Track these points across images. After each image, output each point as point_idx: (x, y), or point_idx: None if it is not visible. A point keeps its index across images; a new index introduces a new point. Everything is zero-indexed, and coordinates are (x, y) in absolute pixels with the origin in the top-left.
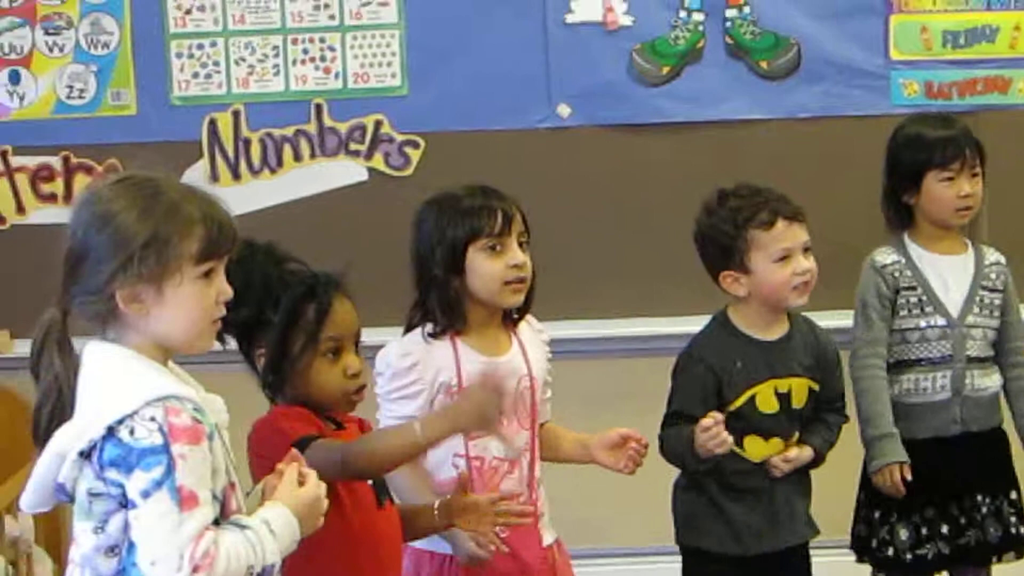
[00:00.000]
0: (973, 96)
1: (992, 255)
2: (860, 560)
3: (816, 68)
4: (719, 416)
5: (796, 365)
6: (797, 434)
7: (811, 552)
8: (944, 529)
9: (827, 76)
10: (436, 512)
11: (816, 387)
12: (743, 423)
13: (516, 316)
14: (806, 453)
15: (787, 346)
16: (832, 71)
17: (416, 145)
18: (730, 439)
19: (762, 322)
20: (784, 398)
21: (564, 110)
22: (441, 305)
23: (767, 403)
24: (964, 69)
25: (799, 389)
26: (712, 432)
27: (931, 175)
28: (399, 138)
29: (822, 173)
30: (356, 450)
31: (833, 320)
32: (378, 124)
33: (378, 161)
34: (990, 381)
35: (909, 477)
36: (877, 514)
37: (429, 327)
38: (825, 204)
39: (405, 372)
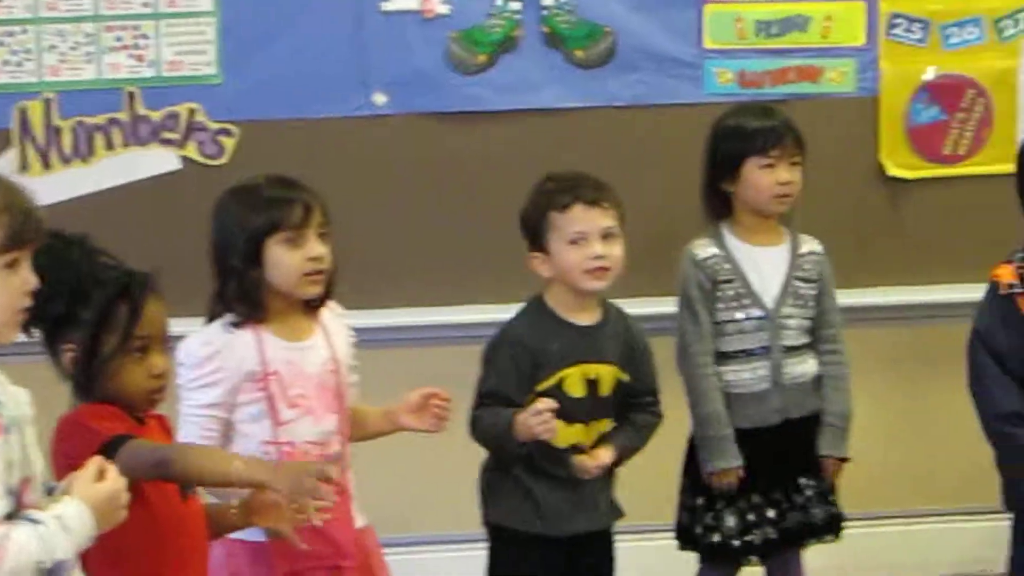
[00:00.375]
0: (785, 85)
1: (808, 244)
2: (683, 547)
3: (631, 57)
4: (552, 403)
5: (607, 352)
6: (604, 423)
7: (629, 537)
8: (771, 514)
9: (642, 65)
10: (235, 512)
11: (625, 378)
12: None
13: (316, 304)
14: (609, 455)
15: (600, 332)
16: (647, 60)
17: (230, 134)
18: (555, 425)
19: (575, 305)
20: (592, 384)
21: (380, 98)
22: (240, 296)
23: (574, 387)
24: (776, 58)
25: (607, 377)
26: (544, 417)
27: (750, 162)
28: (213, 126)
29: (637, 161)
30: (171, 458)
31: (651, 307)
32: (192, 112)
33: (191, 150)
34: (806, 367)
35: (743, 475)
36: (701, 501)
37: (230, 317)
38: (640, 191)
39: (206, 361)
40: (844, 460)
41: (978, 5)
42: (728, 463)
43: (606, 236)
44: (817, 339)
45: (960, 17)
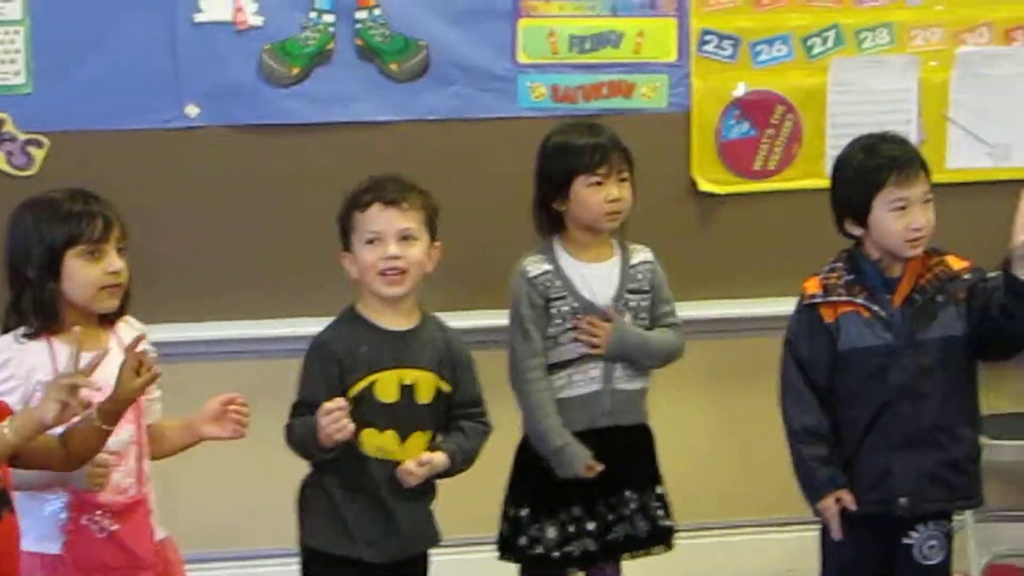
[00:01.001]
0: (598, 100)
1: (639, 255)
2: (503, 557)
3: (445, 71)
4: (342, 402)
5: (422, 358)
6: (423, 435)
7: (450, 550)
8: (591, 527)
9: (456, 79)
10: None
11: (447, 388)
12: (361, 411)
13: (112, 317)
14: (439, 458)
15: (414, 338)
16: (461, 74)
17: (40, 144)
18: (351, 426)
19: (385, 309)
20: (408, 390)
21: (192, 110)
22: (35, 308)
23: (386, 392)
24: (590, 73)
25: (425, 385)
26: (334, 416)
27: (579, 180)
28: (22, 137)
29: (452, 174)
30: None
31: (476, 320)
32: (0, 123)
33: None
34: (639, 380)
35: (600, 468)
36: (524, 512)
37: (23, 329)
38: (456, 204)
39: None
40: None
41: (787, 23)
42: (578, 466)
43: (404, 238)
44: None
45: (769, 34)
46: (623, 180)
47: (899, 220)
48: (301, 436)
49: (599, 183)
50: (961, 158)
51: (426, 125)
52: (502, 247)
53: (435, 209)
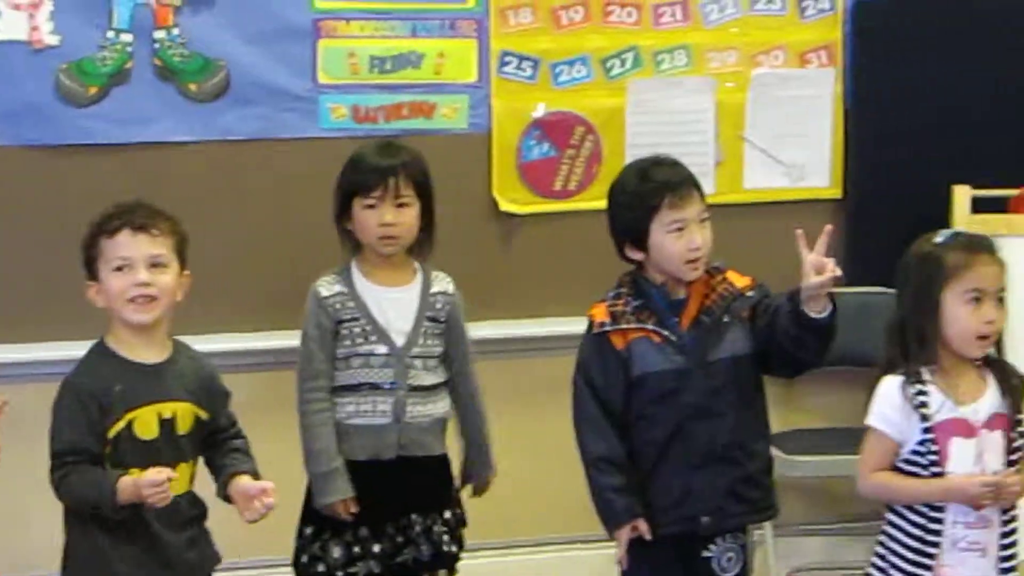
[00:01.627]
0: (399, 120)
1: (440, 284)
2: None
3: (246, 91)
4: (169, 472)
5: (179, 389)
6: (187, 466)
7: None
8: (376, 548)
9: (257, 99)
10: None
11: (205, 416)
12: (121, 451)
13: None
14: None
15: (169, 369)
16: (262, 94)
17: None
18: (170, 493)
19: (138, 343)
20: (167, 424)
21: None
22: None
23: (146, 428)
24: (390, 94)
25: (184, 415)
26: (162, 488)
27: (356, 201)
28: None
29: (253, 195)
30: None
31: (272, 341)
32: None
33: None
34: (434, 408)
35: (355, 509)
36: (310, 530)
37: None
38: (257, 225)
39: None
40: (488, 477)
41: (586, 45)
42: (335, 497)
43: (154, 264)
44: (452, 380)
45: (569, 56)
46: (401, 204)
47: (677, 242)
48: (84, 493)
49: (372, 206)
50: (757, 178)
51: (227, 145)
52: (305, 268)
53: (184, 237)
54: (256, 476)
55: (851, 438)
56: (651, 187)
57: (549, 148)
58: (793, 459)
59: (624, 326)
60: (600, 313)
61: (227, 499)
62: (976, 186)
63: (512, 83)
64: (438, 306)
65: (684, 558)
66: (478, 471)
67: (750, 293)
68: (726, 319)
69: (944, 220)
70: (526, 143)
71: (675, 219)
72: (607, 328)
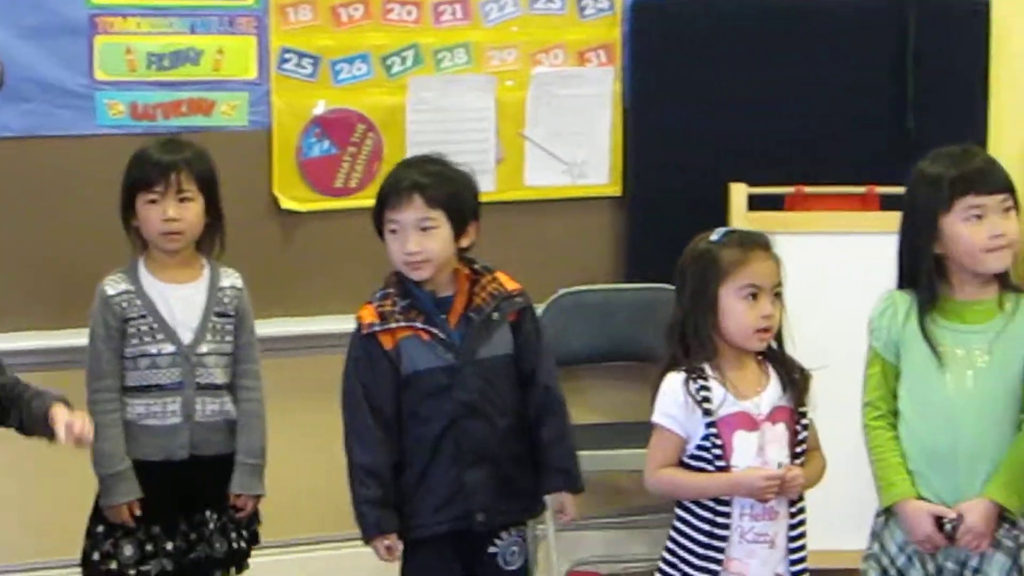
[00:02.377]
0: (178, 117)
1: (228, 279)
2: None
3: (21, 87)
4: None
5: None
6: None
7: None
8: (169, 546)
9: (33, 95)
10: None
11: None
12: None
13: None
14: None
15: None
16: (38, 90)
17: None
18: None
19: None
20: None
21: None
22: None
23: None
24: (169, 91)
25: None
26: None
27: (140, 197)
28: None
29: (31, 194)
30: None
31: (56, 340)
32: None
33: None
34: (223, 406)
35: (138, 512)
36: (101, 528)
37: None
38: (35, 224)
39: None
40: (258, 497)
41: (366, 42)
42: (120, 499)
43: None
44: (234, 375)
45: (349, 53)
46: (184, 200)
47: (393, 243)
48: None
49: (154, 201)
50: (538, 176)
51: (2, 143)
52: (93, 266)
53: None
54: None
55: (632, 432)
56: (383, 187)
57: (330, 146)
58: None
59: (393, 325)
60: (368, 314)
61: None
62: (752, 184)
63: (292, 80)
64: (226, 300)
65: (467, 554)
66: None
67: (518, 298)
68: (495, 317)
69: (722, 217)
70: (307, 140)
71: (392, 219)
72: (376, 328)
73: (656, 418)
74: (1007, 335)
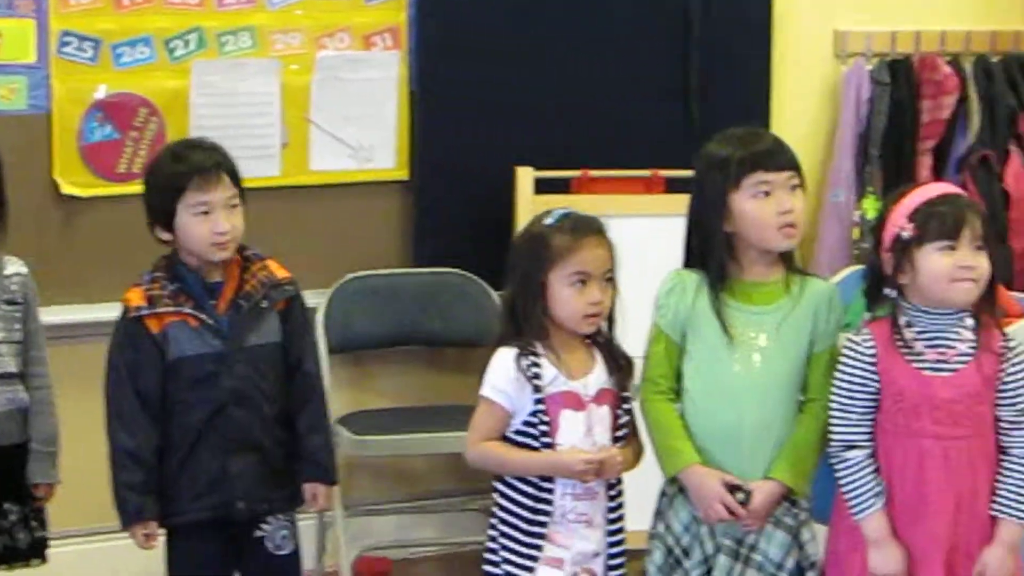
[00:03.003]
0: None
1: (13, 266)
2: None
3: None
4: None
5: None
6: None
7: None
8: None
9: None
10: None
11: None
12: None
13: None
14: None
15: None
16: None
17: None
18: None
19: None
20: None
21: None
22: None
23: None
24: None
25: None
26: None
27: None
28: None
29: None
30: None
31: None
32: None
33: None
34: (15, 395)
35: None
36: None
37: None
38: None
39: None
40: (54, 484)
41: (148, 25)
42: None
43: None
44: (23, 363)
45: (131, 36)
46: None
47: (202, 225)
48: None
49: None
50: (324, 160)
51: None
52: None
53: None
54: None
55: (421, 417)
56: (181, 169)
57: (112, 130)
58: (363, 439)
59: (160, 310)
60: (136, 297)
61: None
62: (539, 168)
63: (73, 64)
64: (14, 288)
65: (233, 540)
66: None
67: (288, 286)
68: (264, 304)
69: (509, 201)
70: (88, 125)
71: (201, 201)
72: (143, 312)
73: (485, 391)
74: (793, 317)
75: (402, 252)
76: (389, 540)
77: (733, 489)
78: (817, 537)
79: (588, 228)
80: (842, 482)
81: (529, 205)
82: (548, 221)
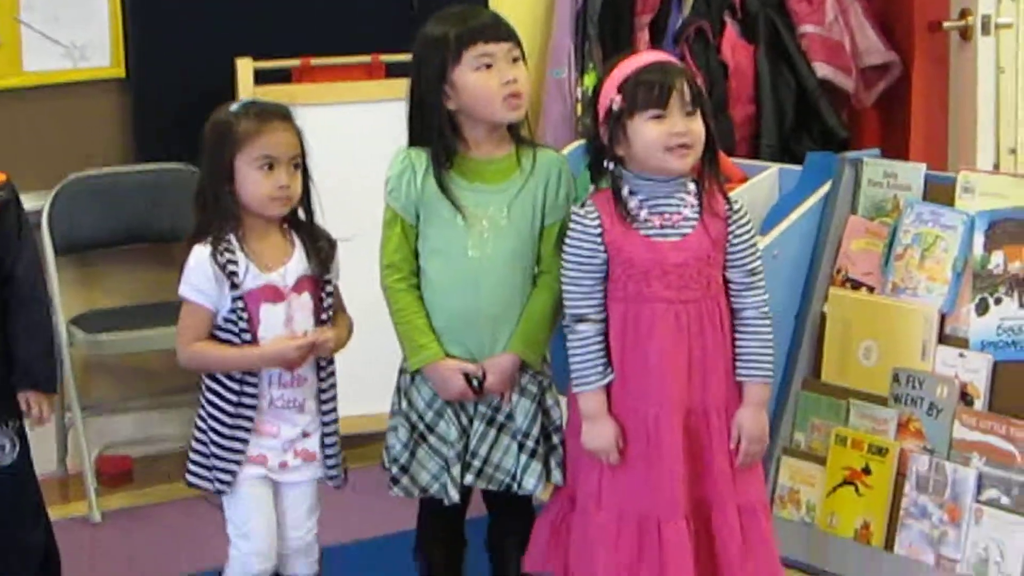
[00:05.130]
0: None
1: None
2: None
3: None
4: None
5: None
6: None
7: None
8: None
9: None
10: None
11: None
12: None
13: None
14: None
15: None
16: None
17: None
18: None
19: None
20: None
21: None
22: None
23: None
24: None
25: None
26: None
27: None
28: None
29: None
30: None
31: None
32: None
33: None
34: None
35: None
36: None
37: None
38: None
39: None
40: None
41: None
42: None
43: None
44: None
45: None
46: None
47: None
48: None
49: None
50: (37, 60)
51: None
52: None
53: None
54: None
55: (153, 313)
56: None
57: None
58: (96, 338)
59: None
60: None
61: None
62: (258, 58)
63: None
64: None
65: None
66: None
67: (1, 191)
68: None
69: (229, 94)
70: None
71: None
72: None
73: (184, 292)
74: (525, 192)
75: (124, 151)
76: (129, 438)
77: (469, 376)
78: (560, 402)
79: (273, 114)
80: (570, 354)
81: (250, 96)
82: (233, 108)
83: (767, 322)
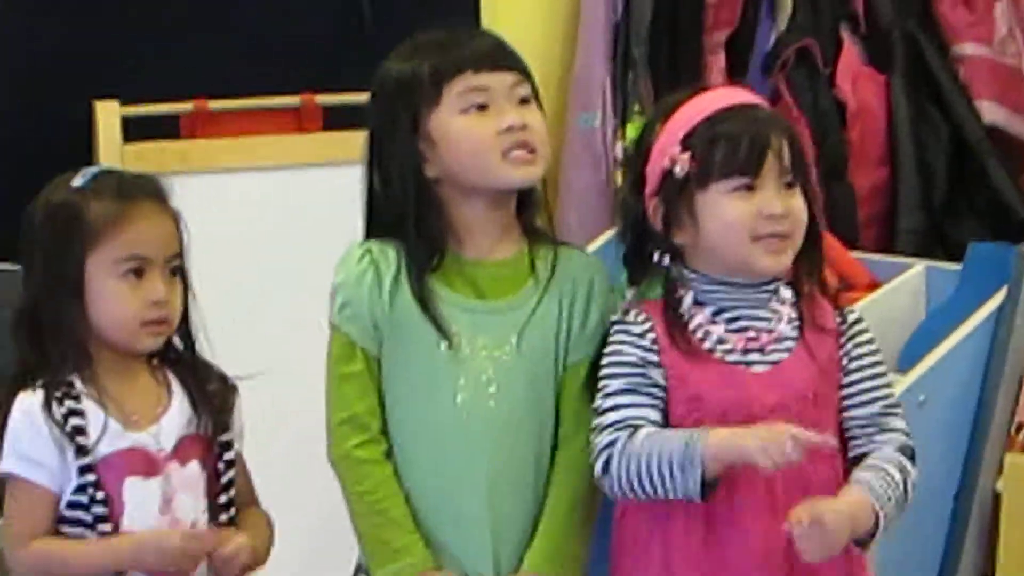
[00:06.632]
0: None
1: None
2: None
3: None
4: None
5: None
6: None
7: None
8: None
9: None
10: None
11: None
12: None
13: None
14: None
15: None
16: None
17: None
18: None
19: None
20: None
21: None
22: None
23: None
24: None
25: None
26: None
27: None
28: None
29: None
30: None
31: None
32: None
33: None
34: None
35: None
36: None
37: None
38: None
39: None
40: None
41: None
42: None
43: None
44: None
45: None
46: None
47: None
48: None
49: None
50: None
51: None
52: None
53: None
54: None
55: None
56: None
57: None
58: None
59: None
60: None
61: None
62: (129, 102)
63: None
64: None
65: None
66: None
67: None
68: None
69: (85, 154)
70: None
71: None
72: None
73: (7, 466)
74: (541, 314)
75: None
76: None
77: None
78: None
79: (141, 190)
80: (643, 466)
81: (117, 159)
82: (78, 182)
83: (911, 463)
